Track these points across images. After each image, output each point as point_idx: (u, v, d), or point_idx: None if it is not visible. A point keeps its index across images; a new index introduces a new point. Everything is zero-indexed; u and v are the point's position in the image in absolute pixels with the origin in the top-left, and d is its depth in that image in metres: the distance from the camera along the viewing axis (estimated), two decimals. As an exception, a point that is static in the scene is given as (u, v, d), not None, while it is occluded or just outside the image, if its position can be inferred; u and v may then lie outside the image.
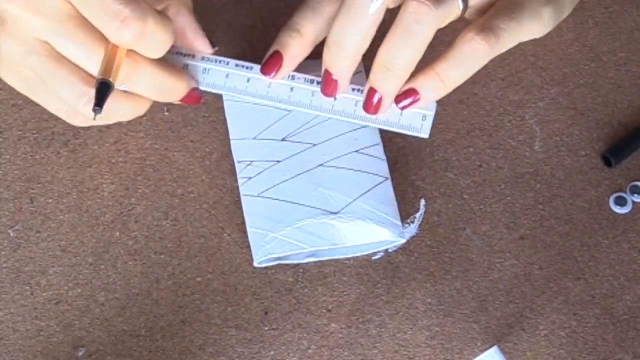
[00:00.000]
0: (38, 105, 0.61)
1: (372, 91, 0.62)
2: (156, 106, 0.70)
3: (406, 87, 0.63)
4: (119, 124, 0.67)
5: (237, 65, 0.64)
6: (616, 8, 0.75)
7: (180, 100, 0.64)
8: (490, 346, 0.58)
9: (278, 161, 0.67)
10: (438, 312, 0.64)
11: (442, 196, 0.68)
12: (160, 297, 0.64)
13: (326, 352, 0.63)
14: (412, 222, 0.66)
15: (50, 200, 0.67)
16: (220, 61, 0.64)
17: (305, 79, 0.64)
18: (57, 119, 0.62)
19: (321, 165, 0.66)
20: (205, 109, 0.70)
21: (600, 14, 0.75)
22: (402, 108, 0.63)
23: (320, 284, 0.65)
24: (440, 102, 0.71)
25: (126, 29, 0.57)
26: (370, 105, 0.63)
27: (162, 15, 0.60)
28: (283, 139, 0.67)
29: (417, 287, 0.65)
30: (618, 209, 0.67)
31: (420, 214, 0.67)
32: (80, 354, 0.62)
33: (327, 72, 0.62)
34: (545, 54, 0.73)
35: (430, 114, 0.63)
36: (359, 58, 0.62)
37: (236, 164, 0.67)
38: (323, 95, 0.63)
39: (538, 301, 0.64)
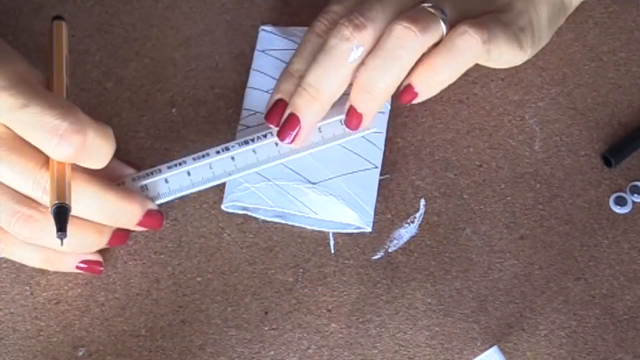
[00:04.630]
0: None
1: (353, 109, 0.63)
2: (157, 105, 0.70)
3: (404, 84, 0.63)
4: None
5: (194, 159, 0.64)
6: (616, 8, 0.75)
7: (139, 224, 0.61)
8: (490, 346, 0.58)
9: None
10: (438, 312, 0.64)
11: (442, 196, 0.68)
12: (160, 297, 0.64)
13: (326, 352, 0.63)
14: (412, 222, 0.66)
15: (50, 200, 0.67)
16: (178, 164, 0.64)
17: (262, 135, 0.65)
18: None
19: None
20: (206, 108, 0.70)
21: (600, 14, 0.75)
22: (405, 102, 0.64)
23: (320, 284, 0.65)
24: (440, 102, 0.71)
25: (67, 143, 0.55)
26: (352, 122, 0.64)
27: (100, 123, 0.57)
28: None
29: (417, 287, 0.65)
30: (618, 209, 0.67)
31: (420, 214, 0.67)
32: (80, 354, 0.62)
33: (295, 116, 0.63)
34: (545, 54, 0.72)
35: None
36: (333, 101, 0.63)
37: (242, 112, 0.68)
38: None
39: (538, 301, 0.64)
